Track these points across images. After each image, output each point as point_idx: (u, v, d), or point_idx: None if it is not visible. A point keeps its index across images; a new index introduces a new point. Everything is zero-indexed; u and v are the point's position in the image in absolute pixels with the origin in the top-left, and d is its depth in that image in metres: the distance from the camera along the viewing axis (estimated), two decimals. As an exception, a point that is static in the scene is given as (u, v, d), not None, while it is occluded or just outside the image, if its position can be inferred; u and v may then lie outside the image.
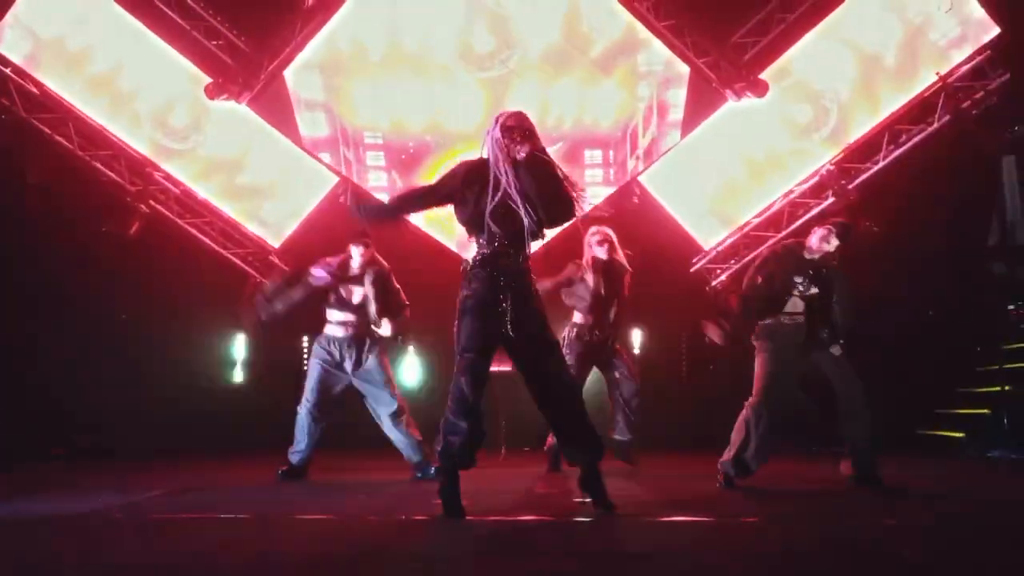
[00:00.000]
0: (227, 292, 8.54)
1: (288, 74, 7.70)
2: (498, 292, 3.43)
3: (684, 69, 7.58)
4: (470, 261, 3.53)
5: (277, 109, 7.96)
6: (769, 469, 4.55)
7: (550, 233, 3.61)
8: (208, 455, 7.33)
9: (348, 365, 5.25)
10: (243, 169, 8.44)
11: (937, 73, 7.29)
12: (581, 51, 7.33)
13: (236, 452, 7.39)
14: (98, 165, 7.99)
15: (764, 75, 7.59)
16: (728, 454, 4.47)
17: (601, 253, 5.67)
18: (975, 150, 7.21)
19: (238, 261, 8.65)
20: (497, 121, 3.54)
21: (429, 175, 8.41)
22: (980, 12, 7.13)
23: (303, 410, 5.26)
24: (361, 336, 5.27)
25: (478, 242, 3.53)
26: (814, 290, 4.43)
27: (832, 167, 7.84)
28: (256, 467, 5.99)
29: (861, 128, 7.74)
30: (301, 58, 7.52)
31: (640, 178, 8.47)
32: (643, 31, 7.22)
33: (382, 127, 8.18)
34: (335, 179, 8.52)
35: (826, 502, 4.16)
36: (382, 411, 5.24)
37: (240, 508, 3.89)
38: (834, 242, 4.51)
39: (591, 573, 2.41)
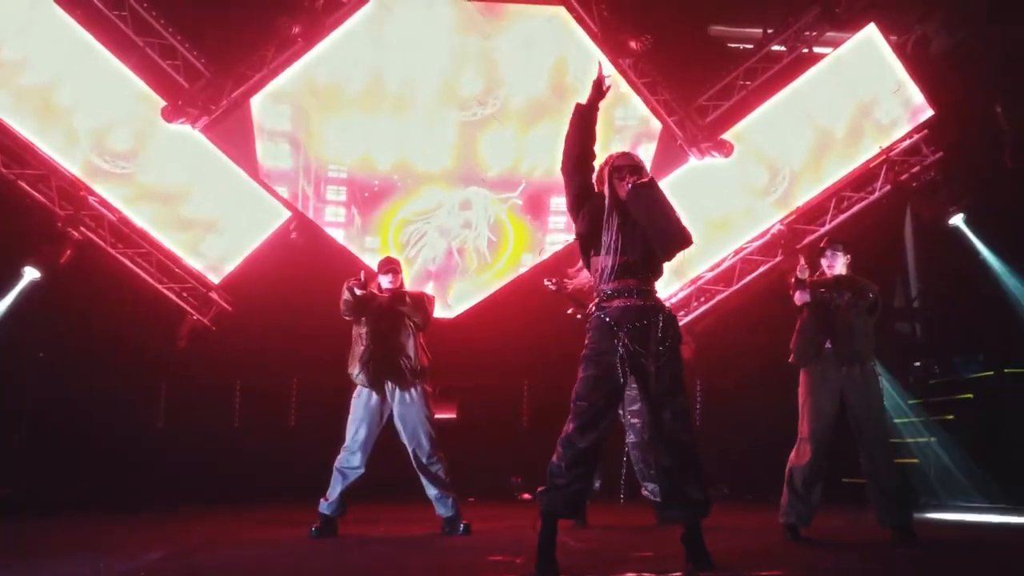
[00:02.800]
0: (160, 329, 7.93)
1: (254, 101, 7.29)
2: (612, 338, 3.33)
3: (657, 125, 7.84)
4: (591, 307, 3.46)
5: (235, 138, 7.51)
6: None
7: (667, 266, 3.57)
8: (139, 505, 6.59)
9: (389, 402, 4.97)
10: (187, 199, 7.87)
11: (880, 147, 7.91)
12: (561, 100, 7.42)
13: (166, 502, 6.71)
14: (24, 185, 7.21)
15: (725, 136, 7.96)
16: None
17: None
18: (916, 219, 7.83)
19: (174, 296, 7.99)
20: (607, 163, 3.50)
21: (389, 215, 8.18)
22: (919, 96, 7.84)
23: (345, 454, 4.93)
24: (405, 367, 4.96)
25: (595, 286, 3.47)
26: (847, 296, 4.58)
27: (783, 227, 8.28)
28: (214, 520, 5.46)
29: (810, 192, 8.25)
30: (272, 86, 7.15)
31: (599, 229, 8.60)
32: (624, 86, 7.41)
33: (348, 162, 7.89)
34: (286, 214, 8.10)
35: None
36: (416, 452, 4.94)
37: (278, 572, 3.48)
38: (842, 258, 4.69)
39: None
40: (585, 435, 3.28)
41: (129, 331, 7.57)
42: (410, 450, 5.00)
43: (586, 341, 3.45)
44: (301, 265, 8.18)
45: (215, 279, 8.15)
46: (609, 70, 3.77)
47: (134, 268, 7.74)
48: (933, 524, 5.63)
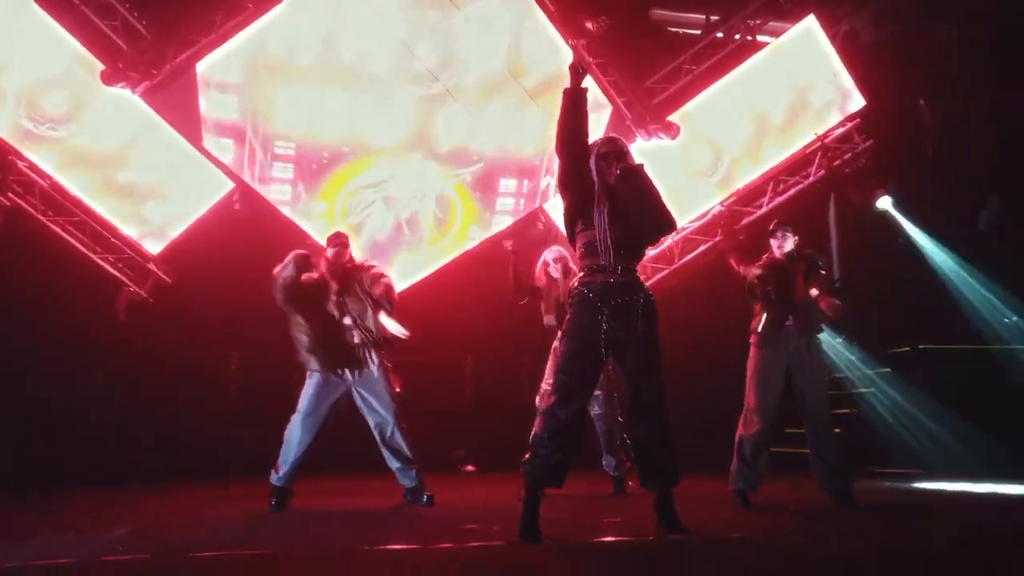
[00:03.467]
0: (96, 302, 7.63)
1: (201, 63, 7.03)
2: (595, 313, 3.44)
3: (607, 103, 7.96)
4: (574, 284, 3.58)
5: (177, 104, 7.23)
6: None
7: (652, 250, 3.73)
8: (80, 484, 6.39)
9: (350, 372, 4.92)
10: (124, 166, 7.54)
11: (815, 133, 8.27)
12: (517, 79, 7.45)
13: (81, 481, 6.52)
14: (-56, 147, 6.80)
15: (670, 118, 8.17)
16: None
17: (555, 273, 5.77)
18: (846, 203, 8.25)
19: (109, 267, 7.69)
20: (594, 149, 3.59)
21: (338, 182, 8.06)
22: (851, 84, 8.22)
23: (295, 420, 4.86)
24: (365, 342, 4.93)
25: (579, 263, 3.62)
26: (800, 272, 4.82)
27: (723, 208, 8.58)
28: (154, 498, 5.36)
29: (749, 176, 8.56)
30: (220, 51, 6.92)
31: (545, 206, 8.72)
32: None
33: (297, 136, 7.71)
34: (229, 185, 7.89)
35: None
36: (380, 426, 4.93)
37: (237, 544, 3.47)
38: (792, 238, 4.93)
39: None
40: (566, 407, 3.42)
41: (62, 304, 7.25)
42: (372, 423, 5.00)
43: (567, 316, 3.57)
44: (244, 237, 7.99)
45: (154, 250, 7.88)
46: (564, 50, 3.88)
47: (67, 237, 7.41)
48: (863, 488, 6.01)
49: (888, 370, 8.55)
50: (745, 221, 8.61)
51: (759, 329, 4.88)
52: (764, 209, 8.59)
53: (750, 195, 8.64)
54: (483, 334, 8.65)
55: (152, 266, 7.88)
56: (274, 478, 4.84)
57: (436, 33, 7.28)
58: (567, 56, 7.56)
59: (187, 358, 7.97)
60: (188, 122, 7.35)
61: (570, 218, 3.62)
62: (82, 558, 3.06)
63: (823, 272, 4.88)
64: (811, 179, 8.50)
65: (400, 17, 7.26)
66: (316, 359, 4.89)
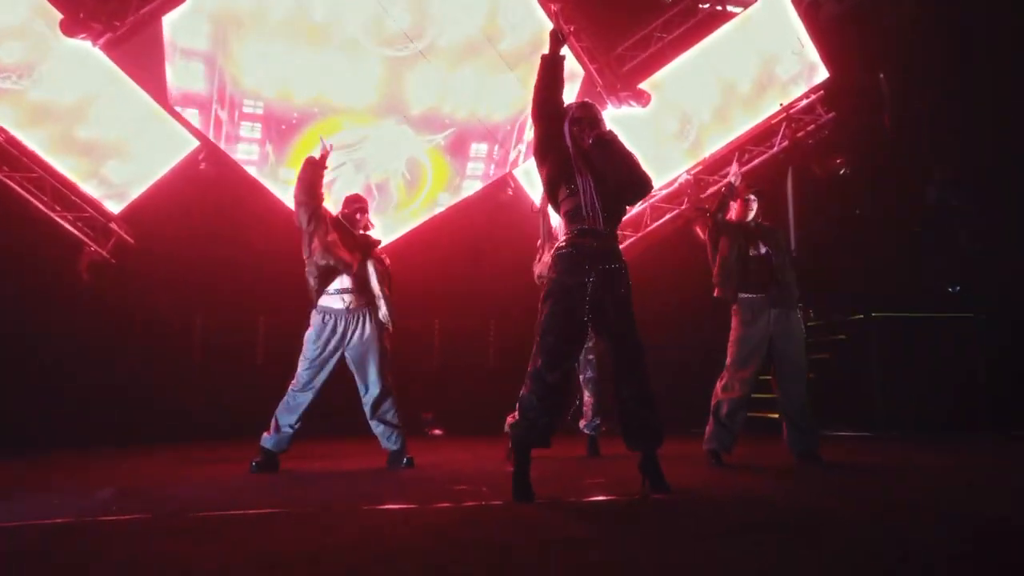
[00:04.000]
0: (55, 262, 7.41)
1: (168, 17, 6.81)
2: (582, 275, 3.49)
3: (580, 71, 7.97)
4: (558, 245, 3.59)
5: (142, 58, 7.01)
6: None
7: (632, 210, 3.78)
8: (48, 446, 6.28)
9: (345, 339, 4.92)
10: (85, 122, 7.31)
11: (781, 104, 8.44)
12: (492, 43, 7.39)
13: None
14: None
15: (640, 86, 8.23)
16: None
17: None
18: (808, 173, 8.46)
19: (69, 226, 7.48)
20: (567, 115, 3.61)
21: (306, 145, 7.93)
22: (815, 56, 8.39)
23: (297, 387, 4.86)
24: (362, 308, 4.93)
25: (564, 227, 3.62)
26: (764, 249, 4.95)
27: (689, 176, 8.72)
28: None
29: (716, 144, 8.70)
30: (187, 6, 6.70)
31: (514, 172, 8.73)
32: (544, 34, 7.46)
33: (266, 95, 7.54)
34: (194, 143, 7.70)
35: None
36: (369, 391, 4.96)
37: (223, 505, 3.48)
38: (755, 205, 5.06)
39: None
40: (553, 369, 3.45)
41: (22, 264, 7.04)
42: (360, 385, 5.03)
43: (552, 275, 3.61)
44: (210, 198, 7.85)
45: (115, 209, 7.68)
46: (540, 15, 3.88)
47: (25, 195, 7.16)
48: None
49: (843, 337, 8.87)
50: (711, 190, 8.78)
51: (714, 279, 4.99)
52: (729, 178, 8.73)
53: (716, 164, 8.80)
54: (450, 298, 8.70)
55: (114, 225, 7.69)
56: (266, 440, 4.83)
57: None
58: (543, 22, 7.57)
59: (150, 320, 7.84)
60: (153, 77, 7.13)
61: (552, 185, 3.64)
62: (78, 517, 3.05)
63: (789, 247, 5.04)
64: (775, 149, 8.69)
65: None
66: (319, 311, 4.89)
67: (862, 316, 8.75)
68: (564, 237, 3.61)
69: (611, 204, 3.58)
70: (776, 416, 6.81)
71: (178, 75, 7.19)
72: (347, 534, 2.76)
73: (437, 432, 8.63)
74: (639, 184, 3.62)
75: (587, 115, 3.64)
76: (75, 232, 7.49)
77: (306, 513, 3.24)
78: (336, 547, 2.52)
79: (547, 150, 3.62)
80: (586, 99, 3.79)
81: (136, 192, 7.70)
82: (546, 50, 3.63)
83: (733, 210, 5.13)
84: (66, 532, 2.86)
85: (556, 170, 3.60)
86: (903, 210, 9.42)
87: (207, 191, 7.79)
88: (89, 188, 7.49)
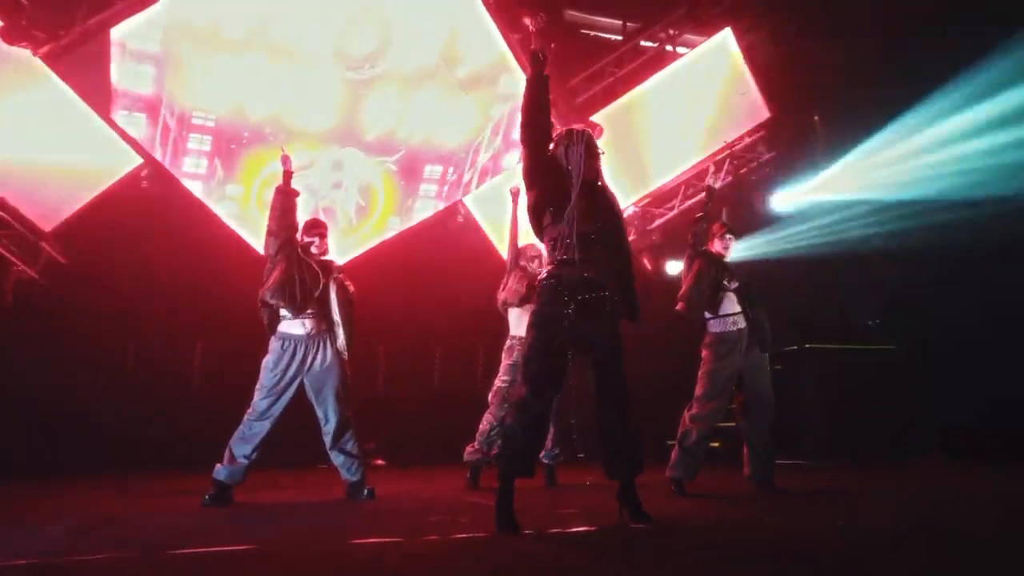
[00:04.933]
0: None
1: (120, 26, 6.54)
2: (561, 305, 3.48)
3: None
4: (543, 274, 3.60)
5: (85, 71, 6.70)
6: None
7: None
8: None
9: (305, 365, 4.76)
10: (19, 135, 6.91)
11: (725, 141, 8.73)
12: (450, 68, 7.41)
13: None
14: None
15: (593, 118, 8.39)
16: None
17: (533, 267, 5.76)
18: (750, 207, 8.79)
19: (-5, 245, 7.05)
20: (572, 137, 3.62)
21: (255, 165, 7.74)
22: (759, 98, 8.74)
23: (253, 416, 4.65)
24: (323, 333, 4.79)
25: (547, 255, 3.64)
26: (736, 284, 5.08)
27: (637, 208, 8.90)
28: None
29: (662, 178, 8.93)
30: (141, 16, 6.47)
31: (465, 199, 8.73)
32: (510, 59, 7.56)
33: (219, 110, 7.32)
34: (137, 160, 7.40)
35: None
36: (330, 421, 4.80)
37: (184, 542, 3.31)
38: (730, 239, 5.21)
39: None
40: (539, 398, 3.45)
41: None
42: (320, 414, 4.88)
43: (535, 306, 3.61)
44: (151, 216, 7.55)
45: (47, 227, 7.28)
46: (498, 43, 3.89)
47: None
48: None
49: (779, 367, 9.17)
50: (657, 222, 8.99)
51: (682, 294, 5.08)
52: (675, 211, 9.00)
53: (663, 197, 9.01)
54: (395, 325, 8.57)
55: (45, 244, 7.28)
56: (219, 472, 4.62)
57: (374, 18, 7.11)
58: (502, 49, 7.63)
59: (80, 345, 7.44)
60: (97, 91, 6.83)
61: (537, 211, 3.60)
62: (40, 559, 2.82)
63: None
64: (719, 184, 8.94)
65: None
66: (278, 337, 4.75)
67: (796, 347, 9.09)
68: (547, 268, 3.61)
69: (600, 234, 3.57)
70: (716, 445, 7.00)
71: (124, 76, 6.87)
72: (351, 570, 2.66)
73: (380, 462, 8.43)
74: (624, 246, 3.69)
75: (591, 142, 3.67)
76: (0, 250, 7.05)
77: (291, 549, 3.11)
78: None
79: (538, 173, 3.57)
80: (584, 126, 3.78)
81: (70, 210, 7.32)
82: (521, 73, 3.66)
83: (717, 246, 5.21)
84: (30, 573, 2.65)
85: (547, 194, 3.55)
86: (833, 246, 9.87)
87: (148, 210, 7.49)
88: (19, 204, 7.07)
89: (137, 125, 7.16)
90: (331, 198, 8.10)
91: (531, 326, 3.55)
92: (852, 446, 8.24)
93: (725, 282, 5.10)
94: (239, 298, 4.80)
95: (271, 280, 4.69)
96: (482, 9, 7.22)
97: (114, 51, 6.67)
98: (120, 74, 6.84)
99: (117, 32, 6.53)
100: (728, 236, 5.21)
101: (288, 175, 4.88)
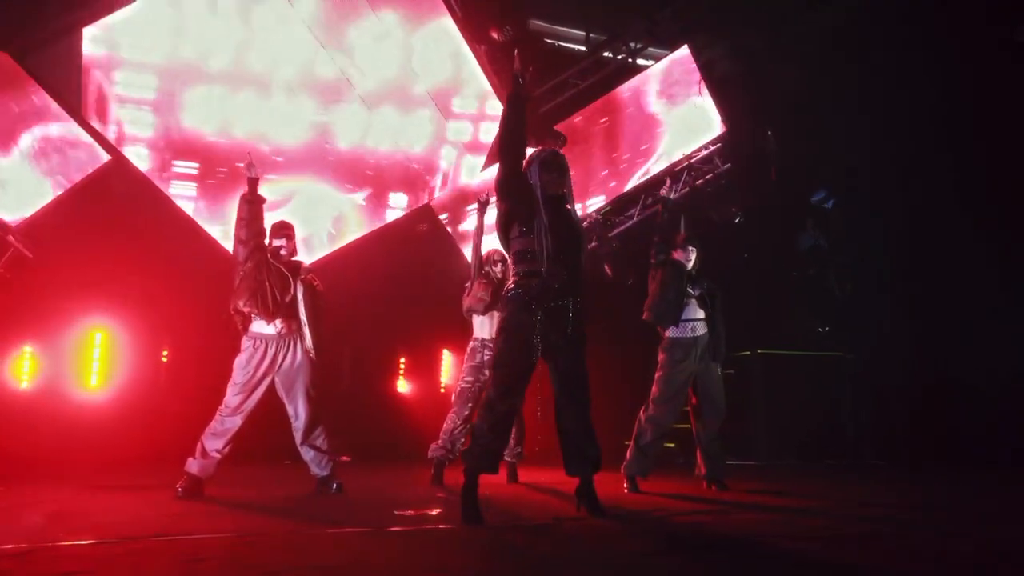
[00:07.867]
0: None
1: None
2: (528, 313, 3.70)
3: (498, 107, 8.29)
4: (510, 283, 3.81)
5: (55, 68, 6.74)
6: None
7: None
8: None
9: (275, 364, 4.91)
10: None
11: (683, 153, 9.08)
12: (410, 82, 7.58)
13: None
14: None
15: (556, 127, 8.65)
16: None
17: (497, 272, 5.92)
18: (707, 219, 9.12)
19: (-41, 238, 7.03)
20: (538, 159, 3.86)
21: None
22: (714, 111, 9.09)
23: (225, 412, 4.78)
24: (293, 333, 4.95)
25: (512, 267, 3.85)
26: (698, 291, 5.35)
27: (597, 216, 9.16)
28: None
29: (623, 187, 9.22)
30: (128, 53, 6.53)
31: (432, 204, 8.92)
32: (467, 72, 7.77)
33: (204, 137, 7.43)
34: (104, 158, 7.44)
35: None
36: (300, 417, 4.96)
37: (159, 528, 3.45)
38: (693, 250, 5.42)
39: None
40: (505, 400, 3.67)
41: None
42: (291, 411, 5.03)
43: (503, 315, 3.83)
44: (117, 214, 7.59)
45: (11, 220, 7.28)
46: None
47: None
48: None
49: (731, 372, 9.55)
50: (617, 230, 9.28)
51: (648, 304, 5.34)
52: (635, 219, 9.30)
53: (623, 206, 9.30)
54: (360, 325, 8.71)
55: (11, 238, 7.28)
56: (191, 464, 4.75)
57: (343, 47, 7.26)
58: (466, 63, 7.85)
59: (46, 341, 7.45)
60: (66, 88, 6.87)
61: (506, 222, 3.81)
62: (30, 543, 2.94)
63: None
64: (676, 195, 9.29)
65: (307, 34, 7.23)
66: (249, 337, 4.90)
67: (748, 352, 9.46)
68: (512, 279, 3.82)
69: (565, 245, 3.79)
70: (672, 446, 7.28)
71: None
72: (332, 556, 2.85)
73: (345, 459, 8.56)
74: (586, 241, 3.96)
75: (559, 163, 3.89)
76: (-35, 244, 7.04)
77: (273, 535, 3.28)
78: (323, 568, 2.62)
79: (511, 188, 3.77)
80: (556, 150, 4.01)
81: (37, 205, 7.33)
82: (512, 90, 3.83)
83: (679, 251, 5.41)
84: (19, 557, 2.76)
85: (516, 208, 3.76)
86: (785, 255, 10.30)
87: (115, 207, 7.53)
88: (-15, 198, 7.07)
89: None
90: (307, 228, 8.23)
91: (499, 331, 3.77)
92: (798, 449, 8.67)
93: (689, 289, 5.38)
94: (207, 294, 4.90)
95: (242, 288, 4.83)
96: (450, 23, 7.41)
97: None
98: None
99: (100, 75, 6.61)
100: (690, 246, 5.46)
101: (253, 182, 4.96)
